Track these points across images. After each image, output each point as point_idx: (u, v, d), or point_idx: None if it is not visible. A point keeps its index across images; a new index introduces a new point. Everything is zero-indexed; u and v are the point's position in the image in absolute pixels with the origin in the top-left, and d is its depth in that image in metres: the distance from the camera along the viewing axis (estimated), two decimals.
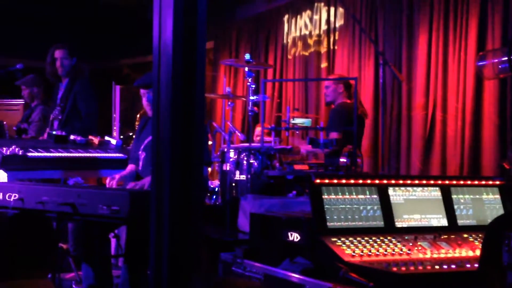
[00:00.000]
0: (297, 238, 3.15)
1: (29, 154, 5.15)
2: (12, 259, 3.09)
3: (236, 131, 6.40)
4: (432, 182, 3.48)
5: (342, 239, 3.01)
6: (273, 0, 9.31)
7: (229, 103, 6.71)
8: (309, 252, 3.04)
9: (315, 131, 7.80)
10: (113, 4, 9.92)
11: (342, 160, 5.78)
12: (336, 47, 8.29)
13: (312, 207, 3.12)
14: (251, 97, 6.03)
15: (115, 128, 9.18)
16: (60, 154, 5.33)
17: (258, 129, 7.52)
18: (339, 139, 5.91)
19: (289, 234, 3.20)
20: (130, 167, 5.16)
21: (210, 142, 6.71)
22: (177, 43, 3.35)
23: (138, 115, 8.48)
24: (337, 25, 8.29)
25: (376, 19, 7.65)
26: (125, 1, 10.08)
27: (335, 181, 3.24)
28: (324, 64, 8.44)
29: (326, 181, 3.21)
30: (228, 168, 5.98)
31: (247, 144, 6.09)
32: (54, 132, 5.62)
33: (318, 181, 3.18)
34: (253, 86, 6.07)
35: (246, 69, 6.21)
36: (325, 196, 3.15)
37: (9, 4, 10.35)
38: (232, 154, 6.03)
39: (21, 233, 3.10)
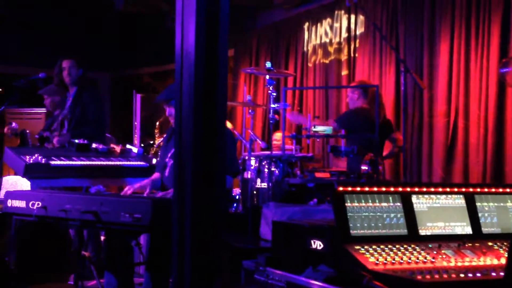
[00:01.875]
0: (320, 246, 3.14)
1: (52, 162, 5.19)
2: (34, 265, 3.11)
3: (257, 139, 6.40)
4: (456, 189, 3.45)
5: (366, 247, 2.99)
6: (293, 8, 9.31)
7: (250, 111, 6.72)
8: (332, 260, 3.03)
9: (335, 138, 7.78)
10: (133, 13, 9.96)
11: (364, 167, 5.77)
12: (356, 55, 8.27)
13: (335, 215, 3.10)
14: (272, 105, 6.03)
15: (136, 136, 9.23)
16: (82, 163, 5.36)
17: (276, 135, 7.52)
18: (360, 146, 5.88)
19: (312, 242, 3.18)
20: (156, 175, 5.17)
21: None
22: (199, 51, 3.36)
23: (157, 123, 8.51)
24: (358, 32, 8.27)
25: (397, 26, 7.63)
26: (145, 10, 10.12)
27: (358, 188, 3.22)
28: (344, 72, 8.42)
29: (349, 188, 3.19)
30: (249, 176, 5.97)
31: (268, 152, 6.09)
32: (76, 141, 5.66)
33: (341, 188, 3.17)
34: (274, 94, 6.07)
35: (267, 77, 6.21)
36: (348, 204, 3.14)
37: (31, 15, 10.44)
38: (253, 162, 6.03)
39: (42, 240, 3.12)
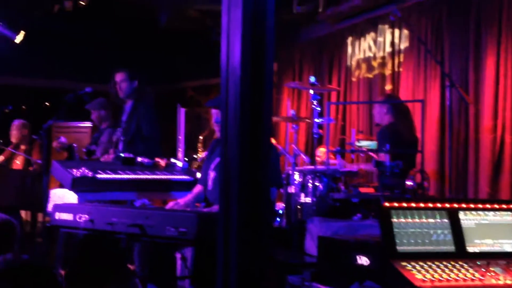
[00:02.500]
0: (366, 262, 3.12)
1: (98, 176, 5.25)
2: (82, 278, 3.14)
3: (301, 154, 6.40)
4: (504, 206, 3.40)
5: (413, 263, 2.97)
6: (337, 22, 9.30)
7: (293, 125, 6.72)
8: (379, 276, 3.01)
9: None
10: (177, 27, 10.06)
11: (409, 183, 5.72)
12: (401, 69, 8.22)
13: (381, 230, 3.08)
14: (316, 120, 6.02)
15: (180, 150, 9.28)
16: (128, 176, 5.42)
17: (319, 150, 7.51)
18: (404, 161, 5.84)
19: (358, 257, 3.17)
20: (198, 187, 5.19)
21: None
22: (245, 66, 3.38)
23: (201, 137, 8.55)
24: (402, 47, 8.22)
25: (442, 40, 7.57)
26: (189, 25, 10.22)
27: (405, 204, 3.19)
28: (388, 87, 8.37)
29: (395, 204, 3.17)
30: (293, 191, 5.97)
31: (312, 167, 6.08)
32: (122, 155, 5.72)
33: (387, 204, 3.15)
34: (318, 108, 6.07)
35: (311, 91, 6.21)
36: (394, 220, 3.11)
37: (78, 30, 10.62)
38: (297, 176, 6.03)
39: (91, 253, 3.15)
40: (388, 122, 6.56)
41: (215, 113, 5.08)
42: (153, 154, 5.90)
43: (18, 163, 8.51)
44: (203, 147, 8.48)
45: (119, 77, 6.47)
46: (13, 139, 8.61)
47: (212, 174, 5.05)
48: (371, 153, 6.74)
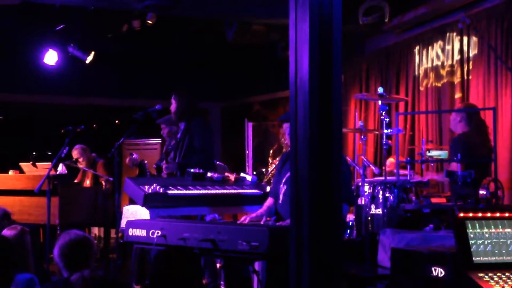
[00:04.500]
0: (441, 273, 3.07)
1: (169, 191, 5.32)
2: None
3: (371, 165, 6.35)
4: None
5: (490, 274, 2.91)
6: (403, 32, 9.22)
7: (362, 137, 6.68)
8: (455, 287, 2.96)
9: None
10: (243, 43, 10.13)
11: (482, 192, 5.61)
12: (470, 77, 8.08)
13: (456, 241, 3.04)
14: (385, 131, 5.97)
15: (248, 164, 9.33)
16: (198, 191, 5.48)
17: (389, 161, 7.43)
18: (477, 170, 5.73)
19: (433, 269, 3.12)
20: (269, 201, 5.20)
21: None
22: (313, 78, 3.39)
23: (271, 151, 8.58)
24: (471, 54, 8.08)
25: None
26: (255, 40, 10.28)
27: (480, 214, 3.14)
28: (458, 95, 8.23)
29: (470, 214, 3.12)
30: (363, 202, 5.92)
31: (382, 178, 6.02)
32: (191, 170, 5.79)
33: (462, 214, 3.10)
34: (387, 119, 6.02)
35: (379, 102, 6.16)
36: (469, 230, 3.06)
37: (146, 50, 10.83)
38: (366, 188, 5.97)
39: (166, 268, 3.20)
40: (462, 131, 6.45)
41: (286, 127, 5.09)
42: (206, 167, 5.98)
43: (87, 183, 8.68)
44: (272, 161, 8.49)
45: (172, 99, 6.65)
46: (79, 164, 8.72)
47: (283, 188, 5.05)
48: (441, 163, 6.64)
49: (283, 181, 5.07)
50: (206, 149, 6.47)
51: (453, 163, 6.01)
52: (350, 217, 6.27)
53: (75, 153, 8.70)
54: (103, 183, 8.37)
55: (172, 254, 3.36)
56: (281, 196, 5.05)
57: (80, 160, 8.66)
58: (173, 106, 6.64)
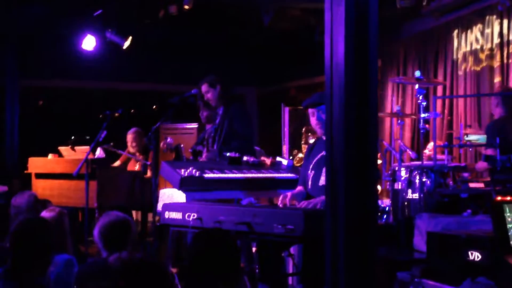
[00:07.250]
0: (478, 257, 3.05)
1: (206, 175, 5.36)
2: (194, 276, 3.22)
3: (408, 149, 6.31)
4: None
5: None
6: (441, 16, 9.10)
7: (399, 121, 6.63)
8: (492, 272, 2.94)
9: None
10: (279, 28, 10.10)
11: None
12: (510, 61, 7.96)
13: (494, 225, 3.01)
14: (422, 115, 5.92)
15: (284, 148, 9.33)
16: (234, 175, 5.50)
17: (431, 145, 7.36)
18: None
19: (470, 253, 3.11)
20: (299, 188, 5.16)
21: (379, 161, 6.66)
22: (349, 62, 3.38)
23: (303, 130, 8.50)
24: (511, 37, 7.96)
25: None
26: (292, 25, 10.25)
27: None
28: (497, 79, 8.12)
29: (508, 198, 3.09)
30: (399, 187, 5.89)
31: (419, 162, 5.98)
32: (228, 154, 5.81)
33: (499, 198, 3.07)
34: (424, 103, 5.96)
35: (417, 86, 6.11)
36: (507, 214, 3.03)
37: (182, 35, 10.85)
38: (403, 172, 5.94)
39: (202, 251, 3.23)
40: (499, 116, 6.36)
41: (311, 112, 5.00)
42: (246, 151, 5.98)
43: (136, 168, 8.65)
44: (305, 143, 8.46)
45: (203, 88, 6.63)
46: (132, 149, 8.71)
47: (311, 174, 5.00)
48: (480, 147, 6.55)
49: (311, 167, 5.02)
50: (246, 134, 6.47)
51: (489, 148, 5.94)
52: (387, 202, 6.24)
53: (129, 137, 8.71)
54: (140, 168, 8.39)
55: (211, 235, 3.37)
56: (309, 182, 4.99)
57: (134, 144, 8.66)
58: (208, 95, 6.63)
